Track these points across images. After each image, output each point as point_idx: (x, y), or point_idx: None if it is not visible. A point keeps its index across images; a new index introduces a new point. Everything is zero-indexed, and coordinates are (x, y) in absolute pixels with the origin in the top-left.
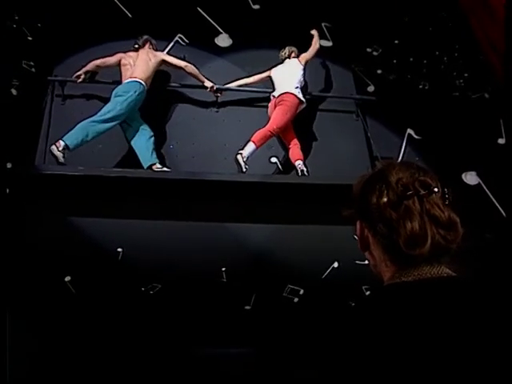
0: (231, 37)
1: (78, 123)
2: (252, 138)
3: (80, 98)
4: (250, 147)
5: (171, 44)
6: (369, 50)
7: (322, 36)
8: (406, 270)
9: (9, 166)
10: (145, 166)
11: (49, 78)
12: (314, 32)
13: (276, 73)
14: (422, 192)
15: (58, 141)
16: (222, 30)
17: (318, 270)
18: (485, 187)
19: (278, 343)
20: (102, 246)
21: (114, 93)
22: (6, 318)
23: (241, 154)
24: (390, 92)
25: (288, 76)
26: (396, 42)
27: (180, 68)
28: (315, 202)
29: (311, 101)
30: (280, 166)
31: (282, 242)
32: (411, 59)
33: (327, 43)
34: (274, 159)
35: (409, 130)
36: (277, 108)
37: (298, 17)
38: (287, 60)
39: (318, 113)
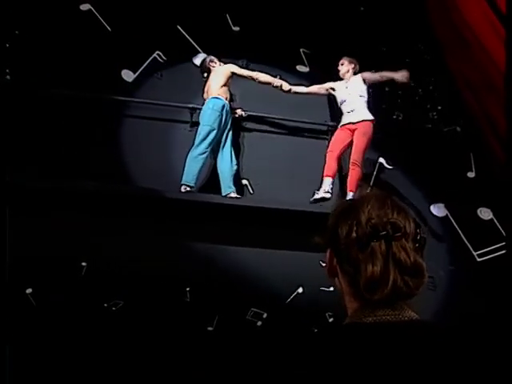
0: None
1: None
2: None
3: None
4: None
5: (148, 60)
6: None
7: (299, 61)
8: (367, 308)
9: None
10: (223, 193)
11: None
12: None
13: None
14: (391, 234)
15: (181, 186)
16: (200, 50)
17: (282, 295)
18: (452, 220)
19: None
20: (65, 260)
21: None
22: None
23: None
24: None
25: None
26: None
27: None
28: (282, 227)
29: (286, 125)
30: (250, 189)
31: (248, 264)
32: (387, 89)
33: (304, 68)
34: (244, 181)
35: (380, 159)
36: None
37: (277, 41)
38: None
39: (290, 137)
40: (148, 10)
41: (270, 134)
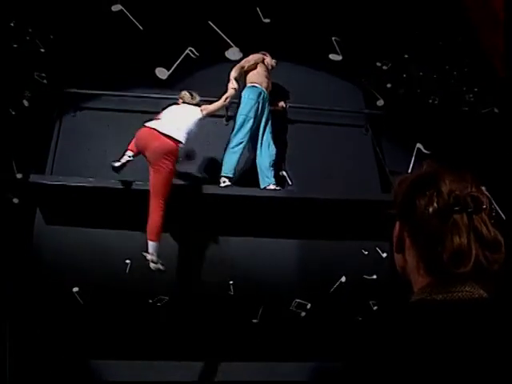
0: (242, 50)
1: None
2: None
3: (91, 110)
4: None
5: (182, 57)
6: (378, 64)
7: (331, 50)
8: (440, 284)
9: (19, 176)
10: (262, 185)
11: (60, 89)
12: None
13: None
14: (473, 208)
15: (220, 178)
16: (232, 44)
17: (325, 285)
18: (494, 203)
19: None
20: (110, 258)
21: None
22: (6, 327)
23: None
24: (399, 106)
25: None
26: (406, 56)
27: None
28: (324, 216)
29: (320, 115)
30: (289, 180)
31: (291, 256)
32: (421, 73)
33: (337, 57)
34: (283, 173)
35: (418, 145)
36: None
37: (308, 30)
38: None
39: (327, 127)
40: (178, 7)
41: (305, 123)
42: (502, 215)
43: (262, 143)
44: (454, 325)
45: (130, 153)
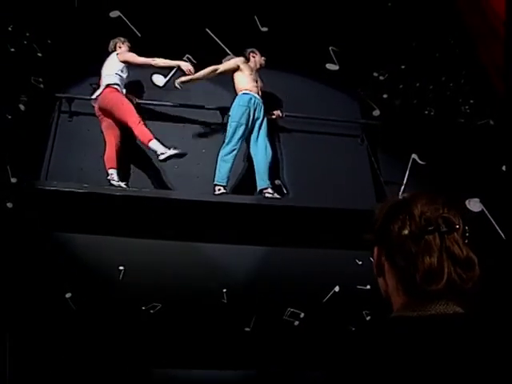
0: None
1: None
2: None
3: (87, 116)
4: None
5: None
6: (375, 74)
7: (328, 59)
8: (415, 303)
9: (13, 180)
10: (258, 187)
11: (56, 94)
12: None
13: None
14: (444, 229)
15: (214, 187)
16: (229, 52)
17: (319, 294)
18: (488, 214)
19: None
20: (103, 264)
21: None
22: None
23: None
24: (395, 117)
25: None
26: (402, 66)
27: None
28: (319, 226)
29: (316, 124)
30: (284, 189)
31: (284, 264)
32: (417, 84)
33: (334, 67)
34: (278, 181)
35: (413, 155)
36: None
37: (305, 40)
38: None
39: (323, 136)
40: (176, 14)
41: (301, 133)
42: (496, 226)
43: (258, 146)
44: (427, 339)
45: None
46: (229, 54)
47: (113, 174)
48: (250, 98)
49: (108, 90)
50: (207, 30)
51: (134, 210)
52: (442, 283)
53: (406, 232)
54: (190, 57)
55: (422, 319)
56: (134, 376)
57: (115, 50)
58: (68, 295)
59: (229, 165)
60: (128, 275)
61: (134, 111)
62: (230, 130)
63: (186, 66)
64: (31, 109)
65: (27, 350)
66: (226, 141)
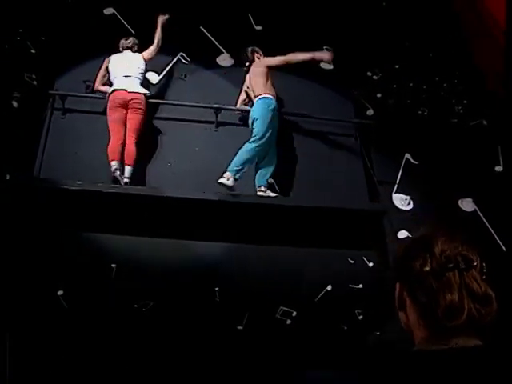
0: (233, 57)
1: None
2: None
3: (80, 113)
4: None
5: (173, 62)
6: (369, 73)
7: None
8: (436, 337)
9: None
10: (258, 184)
11: (50, 91)
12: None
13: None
14: (463, 266)
15: (224, 172)
16: (223, 50)
17: (311, 293)
18: (481, 214)
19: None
20: (96, 262)
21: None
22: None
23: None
24: (389, 116)
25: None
26: (396, 66)
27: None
28: (311, 225)
29: (310, 123)
30: (277, 188)
31: (277, 263)
32: (411, 84)
33: (328, 66)
34: (271, 180)
35: (407, 155)
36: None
37: (299, 39)
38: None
39: (316, 135)
40: (170, 12)
41: (295, 132)
42: (489, 226)
43: (271, 150)
44: (448, 372)
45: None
46: (223, 53)
47: (115, 165)
48: (275, 105)
49: (144, 97)
50: (202, 28)
51: (126, 207)
52: (462, 319)
53: (427, 269)
54: (184, 55)
55: (443, 352)
56: (127, 374)
57: None
58: (60, 293)
59: (249, 159)
60: (120, 273)
61: None
62: (262, 129)
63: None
64: (24, 106)
65: (17, 348)
66: (256, 138)
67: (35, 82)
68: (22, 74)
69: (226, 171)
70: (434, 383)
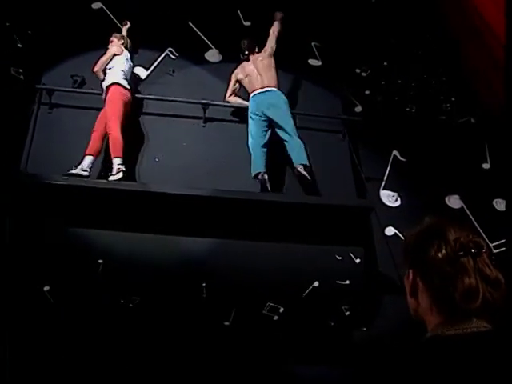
0: (221, 52)
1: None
2: None
3: (67, 108)
4: None
5: (161, 57)
6: (358, 70)
7: (311, 55)
8: (450, 322)
9: None
10: (253, 173)
11: (37, 86)
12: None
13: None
14: (476, 251)
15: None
16: (212, 46)
17: (298, 289)
18: (468, 211)
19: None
20: (82, 257)
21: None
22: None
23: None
24: (377, 113)
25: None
26: (385, 63)
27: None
28: (299, 220)
29: (298, 119)
30: (268, 185)
31: (264, 259)
32: (399, 81)
33: (316, 62)
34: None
35: (394, 152)
36: None
37: (288, 35)
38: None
39: (304, 131)
40: (159, 7)
41: None
42: (476, 223)
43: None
44: (466, 355)
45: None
46: (211, 48)
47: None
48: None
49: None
50: (190, 23)
51: (113, 202)
52: (478, 301)
53: (442, 255)
54: (172, 50)
55: (459, 337)
56: (114, 369)
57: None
58: (46, 288)
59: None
60: (107, 268)
61: None
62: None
63: None
64: (11, 100)
65: (3, 343)
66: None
67: (22, 77)
68: (9, 68)
69: (299, 165)
70: (454, 368)
